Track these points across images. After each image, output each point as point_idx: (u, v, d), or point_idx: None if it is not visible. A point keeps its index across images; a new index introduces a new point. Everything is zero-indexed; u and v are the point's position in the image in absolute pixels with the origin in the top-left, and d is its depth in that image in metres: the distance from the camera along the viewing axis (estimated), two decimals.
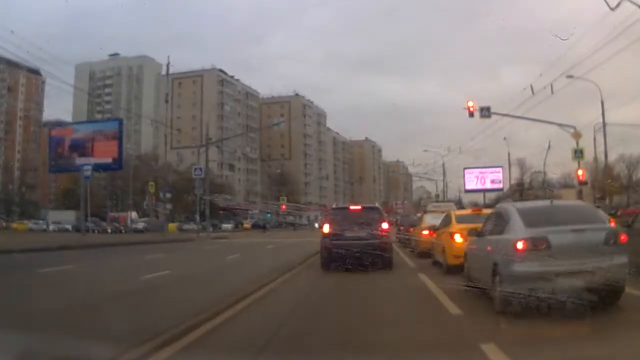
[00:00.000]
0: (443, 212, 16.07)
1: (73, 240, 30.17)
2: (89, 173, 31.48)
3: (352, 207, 14.36)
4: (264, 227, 67.32)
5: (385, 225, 12.85)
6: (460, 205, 32.75)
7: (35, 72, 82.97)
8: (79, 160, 35.42)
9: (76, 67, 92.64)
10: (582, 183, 35.36)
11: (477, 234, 8.33)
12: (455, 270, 10.21)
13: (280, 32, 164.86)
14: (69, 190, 70.10)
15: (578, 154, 33.38)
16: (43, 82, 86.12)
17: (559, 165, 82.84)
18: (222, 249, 24.44)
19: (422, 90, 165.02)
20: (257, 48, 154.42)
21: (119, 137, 36.65)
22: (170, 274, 12.99)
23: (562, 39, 35.81)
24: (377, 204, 17.00)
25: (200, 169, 39.99)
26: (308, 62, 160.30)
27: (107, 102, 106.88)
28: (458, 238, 10.95)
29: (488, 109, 33.34)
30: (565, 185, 56.37)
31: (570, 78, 32.38)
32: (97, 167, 36.52)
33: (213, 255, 20.96)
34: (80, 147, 36.94)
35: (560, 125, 34.99)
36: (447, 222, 12.70)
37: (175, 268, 14.70)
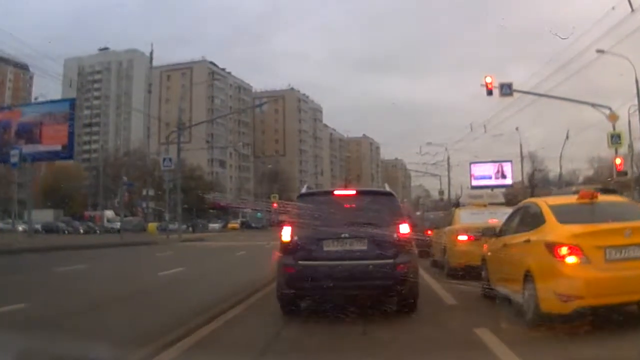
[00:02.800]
0: (485, 207, 10.54)
1: (6, 243, 24.70)
2: (16, 160, 25.64)
3: (338, 192, 7.35)
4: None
5: (405, 229, 6.41)
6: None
7: (24, 67, 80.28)
8: (26, 149, 29.48)
9: (65, 62, 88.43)
10: (621, 174, 30.23)
11: None
12: (555, 321, 4.57)
13: (282, 30, 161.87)
14: (47, 187, 65.20)
15: (615, 139, 28.95)
16: (31, 77, 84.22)
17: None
18: (175, 258, 18.87)
19: (423, 89, 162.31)
20: (258, 46, 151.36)
21: (69, 121, 30.53)
22: (19, 310, 7.24)
23: (562, 38, 32.47)
24: (388, 188, 7.54)
25: (170, 159, 34.15)
26: (309, 60, 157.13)
27: (97, 98, 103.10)
28: (570, 257, 4.93)
29: (509, 85, 29.02)
30: (570, 182, 52.09)
31: (601, 52, 28.58)
32: (44, 156, 30.73)
33: (148, 269, 15.16)
34: (27, 133, 30.93)
35: (593, 105, 30.67)
36: (528, 220, 6.48)
37: (43, 298, 8.91)
